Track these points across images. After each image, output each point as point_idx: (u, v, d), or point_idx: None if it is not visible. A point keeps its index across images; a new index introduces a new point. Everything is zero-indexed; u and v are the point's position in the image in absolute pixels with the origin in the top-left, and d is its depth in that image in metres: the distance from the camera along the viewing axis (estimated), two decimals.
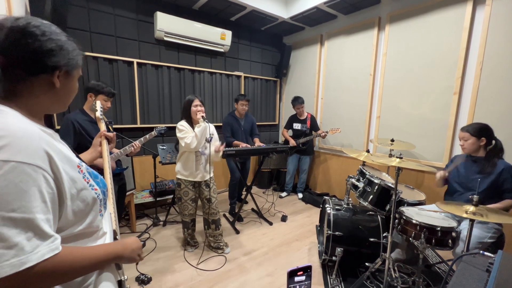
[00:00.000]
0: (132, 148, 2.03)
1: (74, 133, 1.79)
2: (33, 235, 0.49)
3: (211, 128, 2.14)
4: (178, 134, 2.09)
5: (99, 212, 0.70)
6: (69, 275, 0.56)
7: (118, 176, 2.19)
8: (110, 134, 1.15)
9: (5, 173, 0.47)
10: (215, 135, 2.21)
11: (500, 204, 1.71)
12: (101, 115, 1.30)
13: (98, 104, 1.34)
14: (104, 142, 1.07)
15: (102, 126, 1.24)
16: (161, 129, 2.42)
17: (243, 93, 4.05)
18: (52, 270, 0.51)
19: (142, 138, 2.21)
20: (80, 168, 0.63)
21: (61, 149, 0.59)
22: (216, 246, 2.34)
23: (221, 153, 2.24)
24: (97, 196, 0.67)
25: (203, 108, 2.11)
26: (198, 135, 2.00)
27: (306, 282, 0.84)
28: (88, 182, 0.64)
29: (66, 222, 0.59)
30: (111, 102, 2.00)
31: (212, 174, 2.25)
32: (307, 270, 0.83)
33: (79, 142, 1.80)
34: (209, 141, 2.10)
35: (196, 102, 2.10)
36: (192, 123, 2.14)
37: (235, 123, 3.10)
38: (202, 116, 2.04)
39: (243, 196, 3.36)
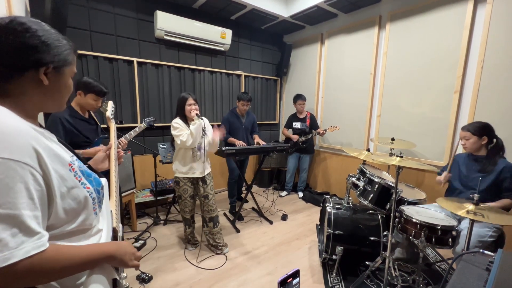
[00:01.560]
0: (120, 145, 1.99)
1: (64, 132, 1.68)
2: (18, 231, 0.49)
3: (205, 122, 2.14)
4: (173, 132, 2.10)
5: (93, 210, 0.69)
6: (57, 273, 0.56)
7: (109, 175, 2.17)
8: (121, 153, 1.12)
9: None
10: (209, 128, 2.20)
11: (497, 203, 1.71)
12: (112, 115, 1.30)
13: (110, 105, 1.33)
14: (112, 156, 1.05)
15: (112, 126, 1.23)
16: (150, 120, 2.38)
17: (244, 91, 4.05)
18: (38, 267, 0.51)
19: (127, 135, 2.17)
20: (71, 167, 0.63)
21: (51, 147, 0.59)
22: (215, 245, 2.33)
23: (218, 140, 2.21)
24: (90, 194, 0.66)
25: (197, 106, 2.13)
26: (193, 133, 2.02)
27: (297, 285, 0.87)
28: (80, 181, 0.64)
29: (58, 220, 0.59)
30: (102, 102, 1.83)
31: (209, 170, 2.27)
32: (295, 274, 0.86)
33: (70, 140, 1.69)
34: (202, 135, 2.11)
35: (190, 100, 2.11)
36: (186, 120, 2.15)
37: (236, 120, 3.11)
38: (197, 114, 2.07)
39: (243, 195, 3.36)
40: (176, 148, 2.20)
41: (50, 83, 0.60)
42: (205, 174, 2.23)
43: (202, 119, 2.07)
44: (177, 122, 2.11)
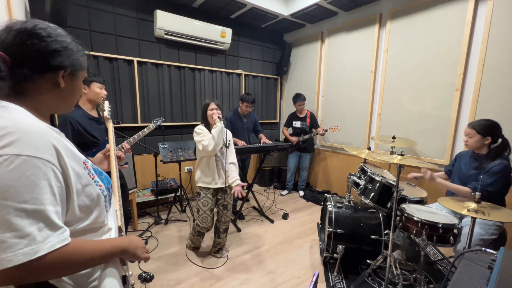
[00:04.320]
0: (123, 150, 1.96)
1: (73, 132, 1.70)
2: (44, 225, 0.51)
3: (229, 134, 2.11)
4: (196, 138, 2.03)
5: (105, 208, 0.72)
6: (77, 266, 0.58)
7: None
8: (121, 154, 1.09)
9: (17, 166, 0.49)
10: (232, 143, 2.19)
11: (456, 185, 1.78)
12: (109, 115, 1.31)
13: (107, 104, 1.34)
14: (113, 158, 1.04)
15: (110, 126, 1.23)
16: (159, 120, 2.39)
17: (246, 92, 4.04)
18: (62, 260, 0.53)
19: (131, 139, 2.16)
20: (85, 165, 0.66)
21: (68, 146, 0.61)
22: (218, 249, 2.28)
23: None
24: (102, 192, 0.69)
25: (219, 111, 2.07)
26: (215, 136, 1.94)
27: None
28: (93, 178, 0.67)
29: (73, 217, 0.61)
30: (105, 90, 1.90)
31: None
32: (317, 280, 0.90)
33: (79, 141, 1.71)
34: (227, 146, 2.05)
35: (212, 105, 2.07)
36: (209, 127, 2.09)
37: (238, 120, 3.11)
38: (218, 117, 2.00)
39: (244, 194, 3.36)
40: (198, 156, 2.13)
41: (65, 85, 0.64)
42: (227, 184, 2.13)
43: (224, 124, 1.99)
44: (200, 128, 2.06)
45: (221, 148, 2.07)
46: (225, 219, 2.20)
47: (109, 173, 0.96)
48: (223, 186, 2.13)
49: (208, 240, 2.50)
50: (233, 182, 2.08)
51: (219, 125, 1.95)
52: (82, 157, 0.66)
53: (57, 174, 0.55)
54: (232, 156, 2.16)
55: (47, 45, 0.58)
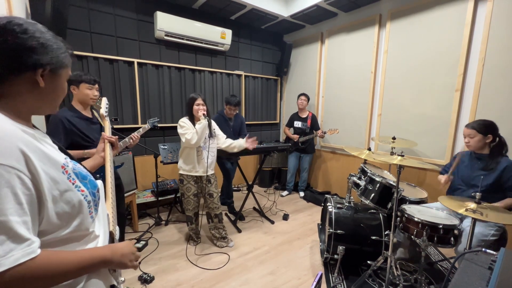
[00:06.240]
0: (131, 140, 2.02)
1: (65, 132, 1.66)
2: (6, 238, 0.47)
3: (213, 123, 2.31)
4: (179, 130, 2.16)
5: (89, 214, 0.66)
6: (50, 280, 0.54)
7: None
8: (113, 139, 1.07)
9: None
10: (217, 130, 2.38)
11: (501, 203, 1.70)
12: (106, 112, 1.27)
13: (104, 101, 1.29)
14: (108, 147, 1.03)
15: (107, 124, 1.20)
16: (154, 121, 2.40)
17: (246, 92, 4.03)
18: (29, 274, 0.49)
19: (139, 131, 2.18)
20: (64, 169, 0.61)
21: (42, 149, 0.57)
22: (222, 237, 2.41)
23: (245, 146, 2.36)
24: (84, 197, 0.64)
25: (205, 107, 2.18)
26: (198, 132, 2.07)
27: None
28: (73, 183, 0.62)
29: (50, 225, 0.57)
30: (97, 90, 1.83)
31: (213, 171, 2.32)
32: (320, 280, 0.90)
33: (72, 140, 1.70)
34: (212, 136, 2.25)
35: (199, 101, 2.17)
36: (193, 120, 2.20)
37: (224, 122, 3.03)
38: (204, 114, 2.12)
39: (242, 192, 3.35)
40: (181, 146, 2.26)
41: (45, 84, 0.59)
42: (209, 174, 2.26)
43: (209, 120, 2.14)
44: (183, 121, 2.18)
45: (205, 138, 2.22)
46: (213, 205, 2.33)
47: (102, 176, 0.92)
48: (204, 174, 2.25)
49: (208, 240, 2.50)
50: (243, 143, 2.33)
51: (203, 122, 2.08)
52: (61, 161, 0.61)
53: (25, 180, 0.50)
54: (221, 138, 2.38)
55: (22, 42, 0.54)
